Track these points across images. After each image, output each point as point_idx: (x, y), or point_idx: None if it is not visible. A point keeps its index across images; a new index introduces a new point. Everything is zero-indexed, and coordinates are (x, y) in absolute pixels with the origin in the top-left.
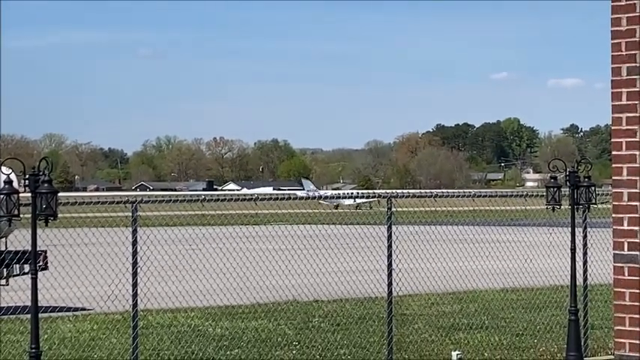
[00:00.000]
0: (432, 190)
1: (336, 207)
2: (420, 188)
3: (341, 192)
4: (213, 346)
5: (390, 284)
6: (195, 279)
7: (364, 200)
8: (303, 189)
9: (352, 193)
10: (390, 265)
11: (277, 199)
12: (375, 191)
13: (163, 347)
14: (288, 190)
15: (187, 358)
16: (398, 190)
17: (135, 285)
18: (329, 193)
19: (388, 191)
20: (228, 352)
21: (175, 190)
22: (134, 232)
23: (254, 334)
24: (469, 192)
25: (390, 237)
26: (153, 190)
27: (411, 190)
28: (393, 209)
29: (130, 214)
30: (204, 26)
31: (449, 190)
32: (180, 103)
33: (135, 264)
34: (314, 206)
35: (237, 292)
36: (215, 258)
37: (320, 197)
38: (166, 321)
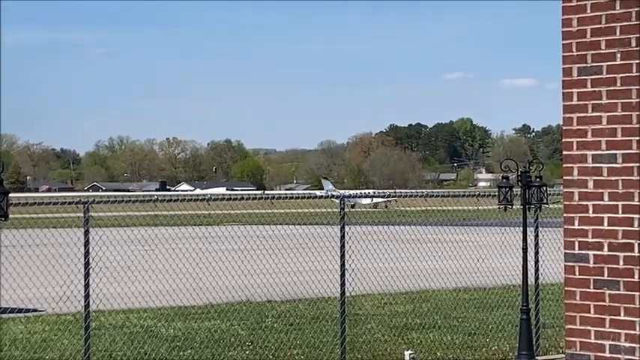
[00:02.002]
0: (385, 191)
1: (353, 206)
2: (374, 188)
3: (358, 192)
4: (166, 346)
5: (342, 284)
6: (148, 280)
7: (381, 200)
8: (324, 188)
9: (370, 192)
10: (342, 265)
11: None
12: (388, 191)
13: (116, 348)
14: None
15: (140, 359)
16: (352, 191)
17: (87, 286)
18: (347, 192)
19: (342, 191)
20: (181, 353)
21: (128, 190)
22: (86, 232)
23: (207, 335)
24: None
25: (342, 237)
26: (105, 190)
27: (364, 190)
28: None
29: (82, 214)
30: (157, 25)
31: (402, 190)
32: (133, 103)
33: (87, 265)
34: (329, 205)
35: (190, 293)
36: (168, 258)
37: (338, 197)
38: (119, 322)
